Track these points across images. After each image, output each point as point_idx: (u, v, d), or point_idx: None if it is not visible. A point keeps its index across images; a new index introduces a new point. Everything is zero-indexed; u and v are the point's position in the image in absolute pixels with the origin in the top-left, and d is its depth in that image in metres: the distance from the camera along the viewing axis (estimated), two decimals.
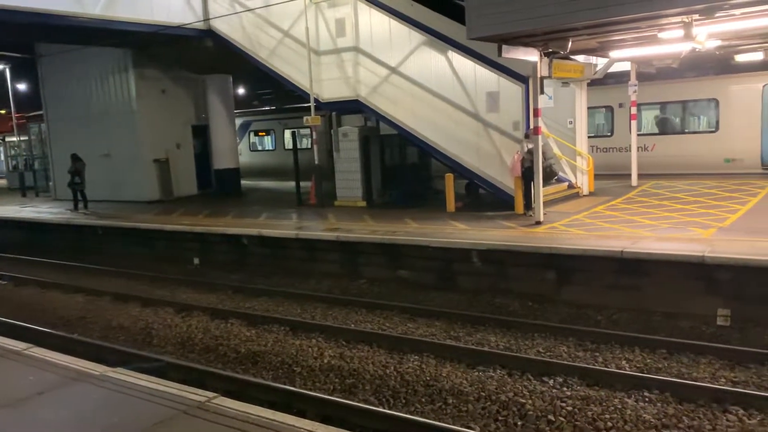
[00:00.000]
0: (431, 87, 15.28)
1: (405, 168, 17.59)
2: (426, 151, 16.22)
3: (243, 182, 23.66)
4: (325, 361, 8.44)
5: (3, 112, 52.40)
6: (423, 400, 7.12)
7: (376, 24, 16.06)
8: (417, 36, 15.48)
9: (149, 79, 21.46)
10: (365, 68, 16.40)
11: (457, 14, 13.46)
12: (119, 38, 19.18)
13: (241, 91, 41.33)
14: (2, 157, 38.84)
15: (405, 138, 16.27)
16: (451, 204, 14.78)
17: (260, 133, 29.97)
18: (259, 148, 30.26)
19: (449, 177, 14.91)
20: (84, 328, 10.50)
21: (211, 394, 4.68)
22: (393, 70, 15.88)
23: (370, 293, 11.73)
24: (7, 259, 16.75)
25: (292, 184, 19.25)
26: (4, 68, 30.54)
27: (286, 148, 27.65)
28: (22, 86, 40.02)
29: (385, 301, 10.95)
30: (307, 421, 4.42)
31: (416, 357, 8.31)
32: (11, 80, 32.97)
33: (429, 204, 15.84)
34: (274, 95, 36.44)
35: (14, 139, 34.94)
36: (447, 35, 14.88)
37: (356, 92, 16.53)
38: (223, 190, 22.10)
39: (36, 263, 16.18)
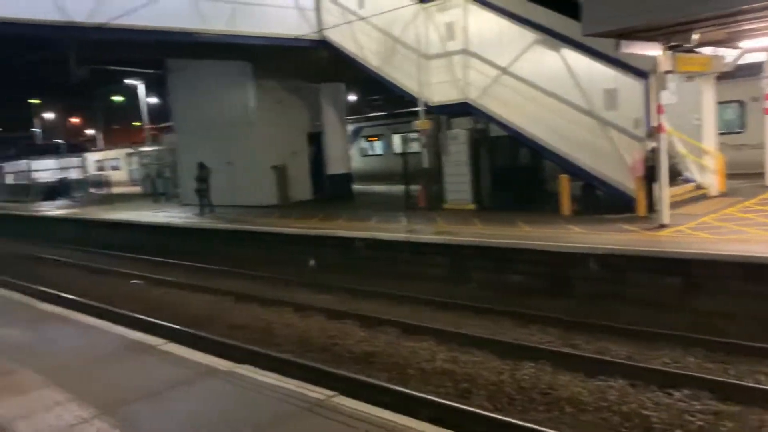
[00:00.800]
0: (544, 86, 14.90)
1: (516, 170, 17.24)
2: (539, 152, 15.82)
3: (354, 186, 24.21)
4: (438, 364, 8.44)
5: (137, 124, 57.13)
6: (540, 408, 6.94)
7: (487, 25, 15.90)
8: (529, 35, 15.15)
9: (267, 89, 22.50)
10: (475, 70, 16.28)
11: (570, 10, 13.04)
12: (240, 51, 20.32)
13: (351, 98, 42.33)
14: (137, 166, 42.15)
15: (516, 139, 15.97)
16: (566, 207, 14.32)
17: (371, 139, 30.56)
18: (370, 153, 30.85)
19: (564, 178, 14.45)
20: (211, 326, 11.13)
21: (330, 393, 4.82)
22: (503, 70, 15.65)
23: (480, 297, 11.58)
24: (142, 260, 18.14)
25: (402, 187, 19.46)
26: (139, 84, 33.16)
27: (396, 152, 27.99)
28: (153, 100, 43.25)
29: (497, 306, 10.78)
30: (426, 423, 4.44)
31: (531, 364, 8.11)
32: (144, 95, 35.90)
33: (542, 207, 15.43)
34: (383, 101, 37.06)
35: (147, 148, 37.92)
36: (561, 32, 14.44)
37: (465, 95, 16.44)
38: (336, 195, 22.72)
39: (166, 264, 17.38)
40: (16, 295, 10.46)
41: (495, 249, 12.04)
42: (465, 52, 16.39)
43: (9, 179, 42.52)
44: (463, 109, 16.81)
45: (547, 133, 14.86)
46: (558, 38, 14.54)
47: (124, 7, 15.12)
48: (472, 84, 16.30)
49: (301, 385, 5.07)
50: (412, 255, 13.48)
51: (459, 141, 16.59)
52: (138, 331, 7.40)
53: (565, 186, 14.37)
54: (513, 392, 7.36)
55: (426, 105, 17.07)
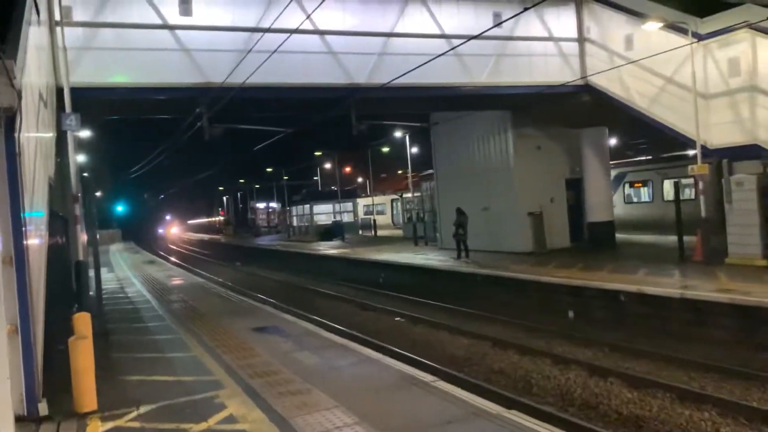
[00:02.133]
0: None
1: None
2: None
3: (617, 235, 22.90)
4: None
5: (400, 172, 61.82)
6: None
7: None
8: None
9: (526, 136, 22.64)
10: (765, 108, 14.45)
11: None
12: (500, 101, 20.86)
13: (613, 141, 40.49)
14: (400, 210, 45.33)
15: None
16: None
17: (636, 185, 28.73)
18: (635, 200, 28.97)
19: None
20: (469, 369, 11.33)
21: None
22: None
23: None
24: (402, 298, 19.27)
25: (671, 238, 17.85)
26: (404, 136, 35.89)
27: (666, 199, 25.87)
28: (415, 150, 46.33)
29: None
30: None
31: None
32: (409, 145, 38.73)
33: None
34: (649, 144, 34.67)
35: (409, 195, 40.56)
36: None
37: (754, 136, 14.65)
38: (596, 243, 21.71)
39: (425, 304, 18.21)
40: (304, 323, 11.87)
41: None
42: (753, 88, 14.68)
43: (294, 221, 48.85)
44: (750, 152, 14.97)
45: None
46: None
47: (397, 67, 16.59)
48: (762, 124, 14.48)
49: None
50: (688, 314, 12.21)
51: (746, 187, 14.75)
52: (411, 366, 7.84)
53: None
54: None
55: (704, 148, 15.58)
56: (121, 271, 26.19)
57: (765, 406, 8.38)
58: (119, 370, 8.51)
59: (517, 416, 5.56)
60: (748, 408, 8.24)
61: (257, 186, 76.90)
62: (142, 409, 6.81)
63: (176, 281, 20.85)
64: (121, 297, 16.83)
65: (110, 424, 6.41)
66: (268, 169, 64.51)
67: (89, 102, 16.00)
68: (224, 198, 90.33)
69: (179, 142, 21.16)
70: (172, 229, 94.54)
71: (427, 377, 7.06)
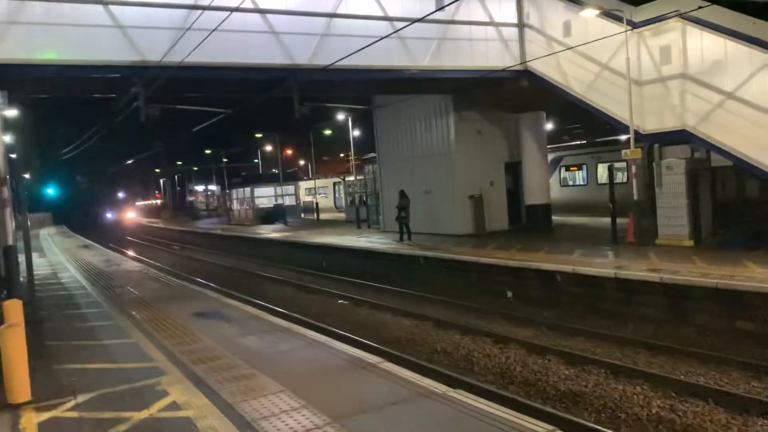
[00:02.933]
0: None
1: (743, 204, 15.56)
2: None
3: (554, 218, 23.56)
4: (653, 411, 7.87)
5: (343, 155, 61.52)
6: None
7: (709, 47, 14.73)
8: (760, 56, 13.75)
9: (466, 121, 22.92)
10: (694, 95, 15.11)
11: None
12: (443, 85, 21.00)
13: (549, 126, 41.49)
14: (342, 194, 45.21)
15: (743, 170, 14.45)
16: None
17: (571, 168, 29.61)
18: (570, 183, 29.87)
19: None
20: (413, 349, 11.49)
21: (550, 427, 4.73)
22: (729, 95, 14.32)
23: (700, 343, 10.58)
24: (345, 281, 19.32)
25: (605, 220, 18.52)
26: (347, 118, 35.73)
27: (599, 182, 26.79)
28: (357, 133, 46.21)
29: (720, 354, 9.76)
30: None
31: (767, 422, 7.21)
32: (351, 129, 38.59)
33: None
34: (584, 129, 35.71)
35: (352, 178, 40.48)
36: None
37: (683, 122, 15.30)
38: (534, 226, 22.29)
39: (368, 287, 18.31)
40: (247, 308, 11.73)
41: (719, 291, 10.93)
42: (683, 76, 15.31)
43: (234, 204, 47.98)
44: (679, 138, 15.65)
45: None
46: None
47: (339, 49, 16.42)
48: (691, 110, 15.14)
49: (520, 416, 5.04)
50: (621, 293, 12.73)
51: (675, 171, 15.42)
52: (357, 348, 7.89)
53: None
54: None
55: (637, 133, 16.18)
56: (54, 256, 25.16)
57: (692, 379, 8.86)
58: (54, 358, 8.21)
59: (462, 395, 5.69)
60: (678, 381, 8.70)
61: (195, 168, 75.12)
62: (80, 398, 6.61)
63: (113, 266, 20.20)
64: (54, 283, 16.18)
65: (46, 415, 6.19)
66: (207, 151, 63.09)
67: (16, 79, 15.22)
68: (161, 181, 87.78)
69: (114, 123, 20.37)
70: (129, 214, 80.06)
71: (375, 359, 7.12)
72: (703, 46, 14.90)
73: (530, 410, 7.49)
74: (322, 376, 6.68)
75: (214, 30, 12.70)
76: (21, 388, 6.63)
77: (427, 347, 11.67)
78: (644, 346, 10.57)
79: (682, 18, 15.06)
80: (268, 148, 61.19)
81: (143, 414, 5.99)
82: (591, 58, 17.70)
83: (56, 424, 6.00)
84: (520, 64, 19.51)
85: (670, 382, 8.70)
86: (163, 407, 6.15)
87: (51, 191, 56.93)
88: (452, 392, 5.76)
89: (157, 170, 78.27)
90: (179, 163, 76.04)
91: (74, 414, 6.20)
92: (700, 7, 14.35)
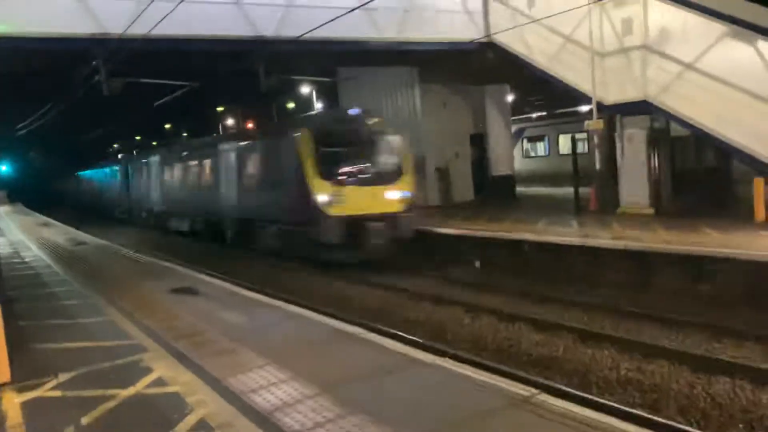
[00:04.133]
0: (735, 82, 13.81)
1: (700, 173, 16.13)
2: (727, 152, 14.69)
3: (518, 189, 23.99)
4: (622, 373, 8.23)
5: None
6: (741, 426, 6.54)
7: (669, 19, 15.07)
8: (718, 27, 14.17)
9: (432, 93, 23.00)
10: (655, 67, 15.50)
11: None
12: (408, 57, 20.98)
13: (512, 98, 41.84)
14: None
15: (701, 139, 14.95)
16: (760, 212, 13.18)
17: (534, 140, 30.07)
18: (532, 154, 30.36)
19: (758, 182, 13.31)
20: (387, 320, 11.67)
21: (535, 390, 4.96)
22: (688, 66, 14.73)
23: (663, 308, 11.03)
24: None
25: (567, 190, 18.97)
26: (311, 91, 35.36)
27: (561, 153, 27.30)
28: (320, 105, 45.82)
29: (682, 317, 10.22)
30: (629, 424, 4.43)
31: (727, 380, 7.63)
32: (315, 102, 38.20)
33: (731, 213, 14.31)
34: (546, 101, 36.13)
35: None
36: (756, 23, 13.33)
37: (644, 93, 15.70)
38: (499, 196, 22.67)
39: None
40: (222, 283, 11.74)
41: (679, 256, 11.40)
42: (644, 47, 15.66)
43: None
44: (640, 108, 16.06)
45: (738, 132, 13.76)
46: (753, 29, 13.43)
47: (305, 20, 16.22)
48: (652, 81, 15.53)
49: (507, 382, 5.27)
50: (587, 260, 13.14)
51: (635, 141, 15.87)
52: (339, 321, 8.02)
53: (759, 190, 13.23)
54: (708, 408, 7.00)
55: (599, 104, 16.52)
56: (13, 235, 24.50)
57: (657, 342, 9.27)
58: (30, 338, 8.11)
59: (449, 363, 5.90)
60: (643, 344, 9.09)
61: (154, 143, 73.38)
62: (62, 377, 6.58)
63: (77, 244, 19.82)
64: (17, 262, 15.82)
65: (29, 395, 6.17)
66: (167, 126, 61.68)
67: None
68: (119, 156, 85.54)
69: (73, 98, 19.78)
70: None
71: (358, 330, 7.27)
72: (664, 18, 15.25)
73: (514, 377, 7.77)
74: (309, 347, 6.80)
75: (181, 1, 12.40)
76: (0, 368, 6.57)
77: (400, 318, 11.86)
78: (610, 311, 10.98)
79: None
80: (230, 121, 60.18)
81: (130, 390, 6.01)
82: (555, 30, 17.92)
83: (40, 404, 5.98)
84: (485, 36, 19.61)
85: (636, 345, 9.08)
86: (149, 383, 6.18)
87: (4, 168, 55.06)
88: (440, 360, 5.96)
89: (115, 145, 76.27)
90: (137, 138, 74.23)
91: (57, 393, 6.18)
92: None
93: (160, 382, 6.21)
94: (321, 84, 31.91)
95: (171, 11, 12.68)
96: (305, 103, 43.34)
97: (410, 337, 9.92)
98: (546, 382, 7.87)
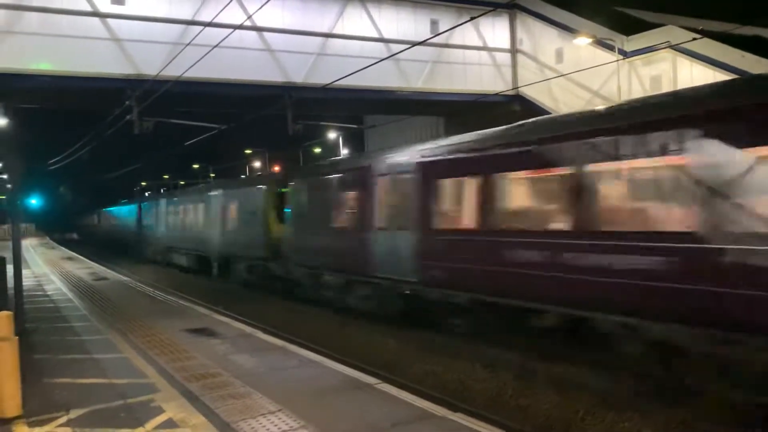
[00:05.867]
0: None
1: None
2: None
3: None
4: None
5: None
6: None
7: (698, 78, 15.03)
8: None
9: None
10: None
11: None
12: (434, 107, 21.24)
13: None
14: None
15: None
16: None
17: None
18: None
19: None
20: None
21: None
22: None
23: None
24: None
25: None
26: (338, 137, 35.89)
27: None
28: (346, 151, 46.44)
29: None
30: None
31: None
32: (341, 147, 38.73)
33: None
34: None
35: None
36: None
37: None
38: None
39: None
40: (239, 325, 11.65)
41: None
42: None
43: None
44: None
45: None
46: None
47: (334, 68, 16.59)
48: None
49: None
50: None
51: None
52: (351, 368, 7.86)
53: None
54: None
55: None
56: (38, 268, 24.82)
57: None
58: (44, 372, 8.07)
59: (463, 418, 5.70)
60: None
61: (182, 183, 74.69)
62: (73, 414, 6.49)
63: (99, 279, 19.98)
64: (39, 295, 15.95)
65: (39, 430, 6.08)
66: (195, 166, 62.84)
67: (8, 90, 15.16)
68: (146, 194, 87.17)
69: (105, 135, 20.29)
70: None
71: (372, 380, 7.11)
72: (693, 77, 15.24)
73: None
74: (321, 396, 6.65)
75: (214, 47, 12.78)
76: (12, 401, 6.51)
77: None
78: None
79: (673, 49, 15.40)
80: (257, 164, 61.13)
81: (139, 431, 5.90)
82: (582, 85, 18.03)
83: None
84: (513, 89, 19.81)
85: None
86: (159, 424, 6.06)
87: (34, 201, 56.32)
88: (452, 415, 5.76)
89: (143, 183, 77.78)
90: (166, 176, 75.67)
91: (68, 430, 6.09)
92: (693, 39, 14.70)
93: (170, 423, 6.09)
94: (348, 130, 32.42)
95: (204, 56, 13.04)
96: (332, 148, 43.97)
97: (425, 389, 9.68)
98: None
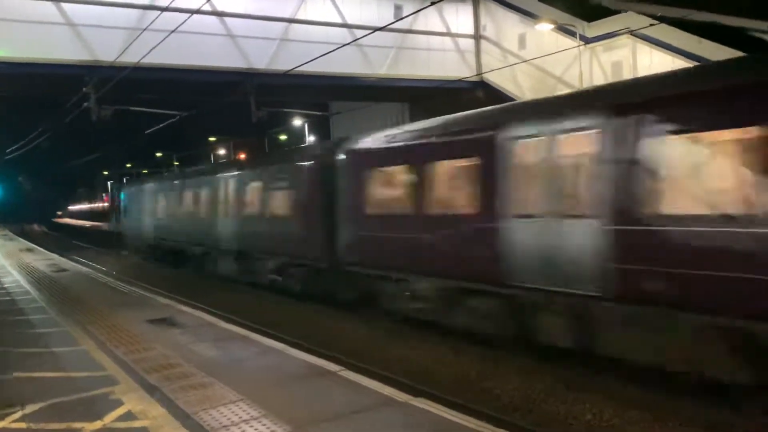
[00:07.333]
0: None
1: None
2: None
3: None
4: None
5: None
6: None
7: (657, 65, 15.30)
8: None
9: None
10: None
11: (755, 48, 12.20)
12: (399, 93, 21.20)
13: None
14: None
15: None
16: None
17: None
18: None
19: None
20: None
21: None
22: None
23: None
24: None
25: None
26: (304, 124, 35.61)
27: None
28: (312, 138, 46.15)
29: None
30: None
31: None
32: (307, 134, 38.47)
33: None
34: None
35: None
36: None
37: None
38: None
39: None
40: (201, 314, 11.53)
41: None
42: None
43: None
44: None
45: None
46: None
47: (298, 54, 16.37)
48: None
49: (481, 425, 5.11)
50: None
51: None
52: (314, 356, 7.85)
53: None
54: None
55: None
56: None
57: None
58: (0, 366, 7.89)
59: (424, 403, 5.74)
60: None
61: (145, 171, 73.36)
62: (28, 409, 6.35)
63: (58, 271, 19.53)
64: None
65: None
66: (158, 154, 61.77)
67: None
68: (108, 183, 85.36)
69: (63, 123, 19.76)
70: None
71: (335, 367, 7.11)
72: (652, 63, 15.48)
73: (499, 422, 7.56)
74: (283, 384, 6.62)
75: (172, 32, 12.50)
76: None
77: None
78: None
79: (633, 35, 15.62)
80: (222, 152, 60.38)
81: (96, 425, 5.80)
82: (545, 71, 18.18)
83: None
84: (476, 75, 19.87)
85: None
86: (117, 417, 5.97)
87: None
88: (414, 401, 5.80)
89: (105, 173, 76.19)
90: (128, 165, 74.22)
91: (22, 425, 5.96)
92: (651, 25, 14.92)
93: (129, 416, 6.00)
94: (313, 117, 32.21)
95: (162, 41, 12.76)
96: (298, 136, 43.64)
97: (389, 374, 9.73)
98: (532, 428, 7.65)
